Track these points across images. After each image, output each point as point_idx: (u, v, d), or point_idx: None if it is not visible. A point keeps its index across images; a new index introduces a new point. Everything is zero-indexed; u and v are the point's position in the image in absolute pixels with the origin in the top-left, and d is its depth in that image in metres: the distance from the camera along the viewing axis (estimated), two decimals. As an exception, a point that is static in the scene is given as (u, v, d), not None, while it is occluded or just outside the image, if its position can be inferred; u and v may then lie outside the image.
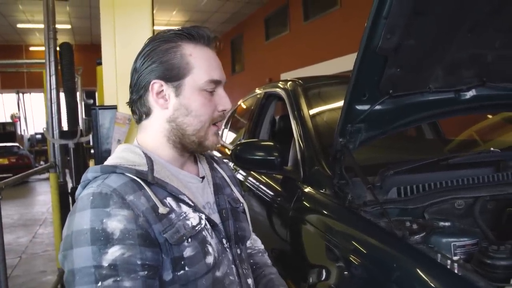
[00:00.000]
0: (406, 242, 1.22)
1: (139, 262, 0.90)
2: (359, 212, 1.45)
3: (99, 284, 0.86)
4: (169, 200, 1.01)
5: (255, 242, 1.46)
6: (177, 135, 1.09)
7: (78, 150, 3.96)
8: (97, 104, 8.57)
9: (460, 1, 1.34)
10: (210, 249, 1.03)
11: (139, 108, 1.12)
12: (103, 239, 0.89)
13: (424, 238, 1.27)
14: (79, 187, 1.02)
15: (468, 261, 1.24)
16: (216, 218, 1.14)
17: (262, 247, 1.46)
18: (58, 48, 4.03)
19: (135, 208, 0.94)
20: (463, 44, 1.50)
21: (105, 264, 0.87)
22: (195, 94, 1.08)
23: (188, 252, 0.98)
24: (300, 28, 10.81)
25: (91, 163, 5.31)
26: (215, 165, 1.30)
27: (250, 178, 2.55)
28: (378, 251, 1.27)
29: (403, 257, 1.17)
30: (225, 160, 1.42)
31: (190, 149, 1.12)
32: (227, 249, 1.12)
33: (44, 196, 9.32)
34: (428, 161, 1.66)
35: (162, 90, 1.08)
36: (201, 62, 1.08)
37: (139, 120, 1.14)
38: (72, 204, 3.39)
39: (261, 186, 2.34)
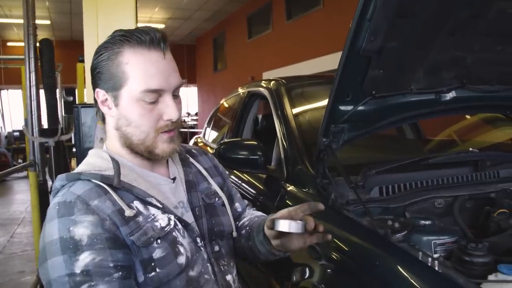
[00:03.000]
0: (388, 240, 1.24)
1: (111, 265, 0.91)
2: (342, 211, 1.47)
3: None
4: (136, 204, 1.01)
5: (252, 214, 1.38)
6: (126, 143, 1.07)
7: (59, 148, 3.90)
8: (77, 101, 8.45)
9: (441, 6, 1.37)
10: (181, 249, 1.03)
11: (97, 112, 1.11)
12: (72, 247, 0.90)
13: (405, 237, 1.30)
14: (51, 196, 1.03)
15: (448, 259, 1.27)
16: (189, 217, 1.13)
17: (260, 214, 1.38)
18: (38, 44, 3.97)
19: (100, 212, 0.94)
20: (444, 47, 1.54)
21: (78, 271, 0.88)
22: (133, 105, 1.02)
23: (158, 254, 0.98)
24: (283, 27, 10.84)
25: (73, 161, 5.24)
26: (191, 159, 1.27)
27: (233, 177, 2.55)
28: (360, 249, 1.30)
29: (385, 255, 1.20)
30: (207, 151, 1.40)
31: (144, 156, 1.08)
32: (201, 248, 1.11)
33: (22, 195, 9.15)
34: (409, 161, 1.70)
35: (106, 99, 1.05)
36: (137, 71, 1.01)
37: (102, 121, 1.14)
38: (52, 203, 3.33)
39: (244, 185, 2.35)
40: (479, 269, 1.18)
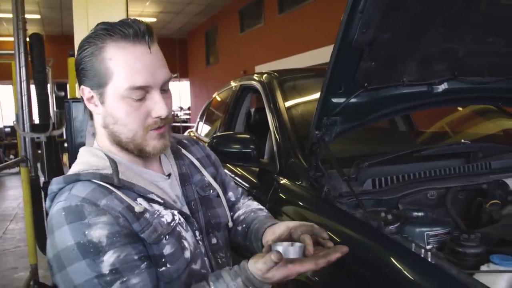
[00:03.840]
0: (381, 232, 1.25)
1: (136, 257, 0.91)
2: (335, 203, 1.47)
3: None
4: (140, 200, 1.00)
5: (248, 206, 1.36)
6: (115, 140, 1.03)
7: (50, 143, 3.87)
8: (68, 96, 8.39)
9: (433, -4, 1.37)
10: (186, 243, 1.03)
11: (85, 109, 1.07)
12: (93, 250, 0.88)
13: (398, 228, 1.30)
14: (48, 200, 1.00)
15: (440, 250, 1.28)
16: (186, 210, 1.12)
17: (257, 206, 1.37)
18: (27, 39, 3.93)
19: (111, 210, 0.93)
20: (436, 38, 1.54)
21: (106, 271, 0.87)
22: (118, 103, 0.98)
23: (167, 250, 0.98)
24: (275, 21, 10.81)
25: (65, 157, 5.21)
26: (182, 151, 1.24)
27: (225, 171, 2.55)
28: (354, 241, 1.30)
29: (379, 247, 1.20)
30: (198, 141, 1.38)
31: (135, 154, 1.05)
32: (199, 242, 1.11)
33: (14, 190, 9.10)
34: (401, 153, 1.70)
35: (92, 96, 1.01)
36: (121, 67, 0.96)
37: (90, 118, 1.10)
38: (45, 199, 3.30)
39: (237, 178, 2.34)
40: (472, 260, 1.19)
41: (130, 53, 0.96)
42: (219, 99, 3.75)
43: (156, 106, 1.00)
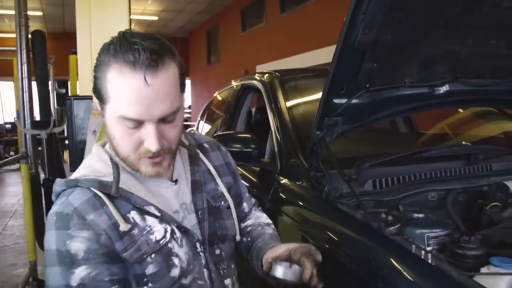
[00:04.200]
0: (382, 233, 1.25)
1: (106, 279, 0.92)
2: (336, 204, 1.47)
3: None
4: (133, 214, 0.99)
5: (257, 219, 1.36)
6: (115, 152, 1.03)
7: (51, 140, 3.87)
8: (69, 93, 8.38)
9: (435, -1, 1.37)
10: (176, 261, 1.01)
11: None
12: (68, 261, 0.91)
13: (399, 230, 1.30)
14: (53, 197, 1.02)
15: (440, 251, 1.28)
16: (192, 219, 1.11)
17: (266, 221, 1.36)
18: (29, 36, 3.93)
19: (96, 227, 0.94)
20: (438, 40, 1.54)
21: (74, 284, 0.90)
22: (114, 123, 0.96)
23: (150, 269, 0.97)
24: (277, 20, 10.81)
25: (65, 154, 5.20)
26: (200, 156, 1.20)
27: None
28: (354, 242, 1.30)
29: (379, 248, 1.20)
30: (221, 146, 1.35)
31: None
32: (200, 253, 1.09)
33: (14, 187, 9.10)
34: (402, 154, 1.70)
35: (99, 105, 1.02)
36: (117, 94, 0.92)
37: None
38: (45, 196, 3.32)
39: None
40: (472, 262, 1.19)
41: (127, 82, 0.90)
42: (220, 98, 3.75)
43: (148, 140, 0.94)
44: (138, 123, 0.93)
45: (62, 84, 12.13)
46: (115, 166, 1.02)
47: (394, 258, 1.13)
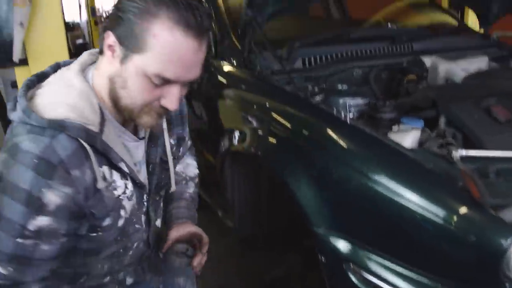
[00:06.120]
0: (309, 101, 1.35)
1: (62, 232, 0.93)
2: (267, 80, 1.55)
3: (19, 240, 0.89)
4: (104, 168, 0.97)
5: (185, 168, 1.36)
6: (112, 97, 0.96)
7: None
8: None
9: None
10: (122, 213, 1.03)
11: (100, 39, 0.95)
12: (36, 206, 0.88)
13: (323, 99, 1.42)
14: (17, 119, 0.91)
15: (361, 117, 1.42)
16: (143, 171, 1.10)
17: (192, 174, 1.37)
18: None
19: (78, 184, 0.91)
20: None
21: (31, 228, 0.89)
22: (137, 76, 0.90)
23: (106, 222, 0.99)
24: None
25: None
26: None
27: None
28: (284, 111, 1.40)
29: (305, 114, 1.32)
30: None
31: (124, 116, 0.99)
32: (145, 203, 1.11)
33: None
34: (330, 34, 1.78)
35: (114, 46, 0.91)
36: (160, 51, 0.86)
37: (100, 52, 0.98)
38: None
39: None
40: (386, 123, 1.34)
41: (177, 43, 0.86)
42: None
43: (169, 98, 0.92)
44: (167, 82, 0.90)
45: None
46: (101, 113, 0.95)
47: (318, 121, 1.25)
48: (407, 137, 1.22)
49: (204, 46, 0.89)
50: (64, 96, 0.94)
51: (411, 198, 1.08)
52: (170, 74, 0.88)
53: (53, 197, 0.89)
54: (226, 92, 1.76)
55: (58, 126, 0.89)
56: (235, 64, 1.77)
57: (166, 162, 1.17)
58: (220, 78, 1.83)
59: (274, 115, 1.41)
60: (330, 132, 1.21)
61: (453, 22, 2.68)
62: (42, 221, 0.89)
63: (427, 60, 1.75)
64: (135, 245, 1.12)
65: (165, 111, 0.96)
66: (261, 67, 1.59)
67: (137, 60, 0.88)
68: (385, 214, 1.12)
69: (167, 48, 0.85)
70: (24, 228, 0.89)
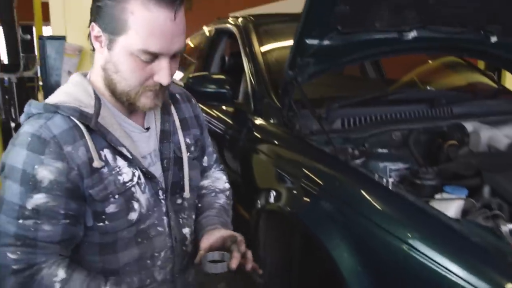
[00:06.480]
0: (349, 164, 1.34)
1: (62, 212, 0.94)
2: (306, 140, 1.56)
3: (20, 221, 0.92)
4: (106, 152, 1.00)
5: (215, 182, 1.37)
6: (109, 85, 1.02)
7: (21, 86, 3.80)
8: (35, 39, 8.07)
9: None
10: (136, 205, 1.04)
11: (89, 38, 1.03)
12: (31, 184, 0.92)
13: (364, 163, 1.41)
14: (22, 117, 1.00)
15: (401, 183, 1.40)
16: (157, 167, 1.12)
17: (222, 186, 1.37)
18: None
19: (70, 160, 0.94)
20: (408, -15, 1.60)
21: (29, 207, 0.92)
22: (126, 57, 0.95)
23: (111, 209, 1.00)
24: (250, -32, 10.54)
25: (40, 95, 5.08)
26: (171, 107, 1.20)
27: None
28: (323, 172, 1.39)
29: (346, 177, 1.30)
30: (192, 98, 1.33)
31: (123, 103, 1.04)
32: (162, 201, 1.11)
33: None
34: (370, 96, 1.79)
35: (100, 36, 0.98)
36: (140, 26, 0.92)
37: (92, 49, 1.06)
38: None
39: (213, 120, 2.40)
40: (428, 190, 1.31)
41: (153, 15, 0.91)
42: (192, 44, 3.72)
43: (161, 73, 0.98)
44: (154, 57, 0.95)
45: (27, 29, 11.63)
46: (98, 99, 1.01)
47: (360, 186, 1.23)
48: (451, 206, 1.19)
49: (181, 15, 0.95)
50: (62, 89, 1.03)
51: (455, 272, 1.03)
52: (154, 47, 0.93)
53: (45, 172, 0.92)
54: (263, 149, 1.77)
55: (53, 108, 0.96)
56: (274, 121, 1.79)
57: (182, 159, 1.17)
58: (259, 135, 1.85)
59: (313, 175, 1.40)
60: (371, 197, 1.19)
61: (490, 83, 2.66)
62: (38, 199, 0.92)
63: (469, 126, 1.73)
64: (162, 254, 1.11)
65: (160, 89, 1.01)
66: (300, 126, 1.60)
67: (121, 41, 0.94)
68: (427, 286, 1.07)
69: (145, 22, 0.91)
70: (22, 208, 0.92)
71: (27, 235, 0.92)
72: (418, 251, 1.06)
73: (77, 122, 0.96)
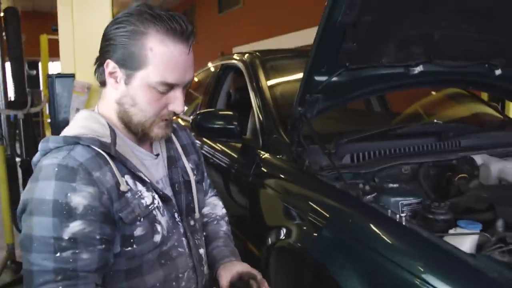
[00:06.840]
0: (360, 200, 1.34)
1: (98, 237, 0.94)
2: (316, 175, 1.56)
3: (58, 254, 0.90)
4: (127, 178, 1.03)
5: (213, 208, 1.44)
6: (123, 118, 1.08)
7: (27, 121, 3.83)
8: (40, 75, 8.20)
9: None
10: (159, 228, 1.06)
11: (98, 75, 1.10)
12: (65, 213, 0.91)
13: (375, 198, 1.40)
14: (38, 155, 1.01)
15: (413, 217, 1.39)
16: (168, 192, 1.16)
17: (221, 212, 1.45)
18: (1, 14, 3.86)
19: (100, 185, 0.96)
20: (414, 22, 1.63)
21: (66, 237, 0.90)
22: (144, 90, 1.02)
23: (138, 232, 1.02)
24: (254, 2, 10.77)
25: (48, 132, 5.12)
26: (172, 135, 1.27)
27: (206, 147, 2.61)
28: (334, 209, 1.39)
29: (357, 213, 1.30)
30: (185, 127, 1.42)
31: (136, 134, 1.10)
32: (179, 223, 1.15)
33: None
34: (378, 130, 1.80)
35: (115, 72, 1.04)
36: (158, 61, 1.00)
37: (100, 85, 1.12)
38: (23, 178, 3.26)
39: (219, 155, 2.41)
40: (441, 225, 1.30)
41: (170, 50, 1.00)
42: (196, 80, 3.78)
43: (176, 102, 1.06)
44: (170, 88, 1.03)
45: (32, 65, 11.81)
46: (112, 129, 1.05)
47: (372, 222, 1.23)
48: (466, 241, 1.18)
49: (191, 47, 1.04)
50: (74, 123, 1.07)
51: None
52: (171, 78, 1.01)
53: (79, 198, 0.92)
54: (273, 185, 1.77)
55: (72, 140, 0.99)
56: (283, 157, 1.80)
57: (191, 184, 1.24)
58: (267, 170, 1.85)
59: (324, 211, 1.40)
60: (384, 232, 1.18)
61: (495, 114, 2.68)
62: (74, 227, 0.91)
63: (478, 158, 1.73)
64: (185, 274, 1.13)
65: (171, 119, 1.09)
66: (309, 162, 1.61)
67: (140, 75, 1.01)
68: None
69: (164, 57, 0.99)
70: (58, 240, 0.90)
71: (67, 268, 0.90)
72: (432, 286, 1.05)
73: (99, 150, 0.99)
